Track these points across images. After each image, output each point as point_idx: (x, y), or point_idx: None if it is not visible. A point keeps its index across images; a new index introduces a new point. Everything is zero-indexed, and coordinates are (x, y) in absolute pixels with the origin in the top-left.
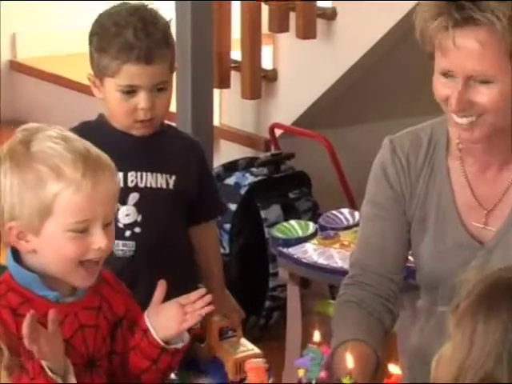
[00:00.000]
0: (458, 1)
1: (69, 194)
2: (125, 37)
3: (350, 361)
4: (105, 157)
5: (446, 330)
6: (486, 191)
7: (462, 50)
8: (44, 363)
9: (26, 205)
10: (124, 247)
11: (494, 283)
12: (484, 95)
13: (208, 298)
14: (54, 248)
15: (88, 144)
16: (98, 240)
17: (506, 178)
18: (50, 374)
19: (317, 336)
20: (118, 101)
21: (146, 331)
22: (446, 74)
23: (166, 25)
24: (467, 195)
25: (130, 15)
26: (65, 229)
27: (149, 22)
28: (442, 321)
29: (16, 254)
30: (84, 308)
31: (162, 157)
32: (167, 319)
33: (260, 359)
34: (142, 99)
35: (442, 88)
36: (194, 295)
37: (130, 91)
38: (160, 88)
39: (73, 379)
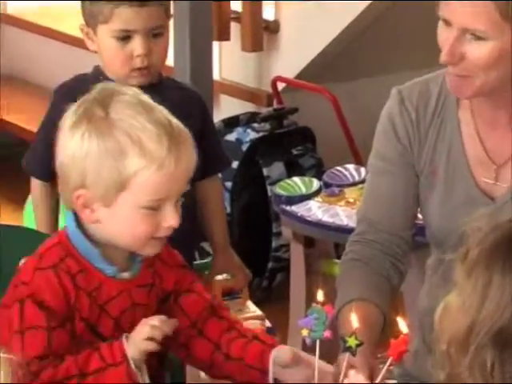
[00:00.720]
0: None
1: (150, 172)
2: None
3: (354, 320)
4: (184, 129)
5: (452, 278)
6: (497, 145)
7: (459, 1)
8: (130, 353)
9: (102, 174)
10: None
11: (507, 234)
12: (476, 51)
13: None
14: (124, 223)
15: (167, 113)
16: (170, 218)
17: None
18: (133, 366)
19: (320, 295)
20: (113, 49)
21: None
22: (445, 22)
23: None
24: (478, 149)
25: None
26: (139, 205)
27: None
28: (450, 268)
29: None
30: (138, 286)
31: None
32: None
33: (258, 321)
34: (137, 45)
35: (441, 36)
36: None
37: (125, 37)
38: (156, 33)
39: (147, 379)
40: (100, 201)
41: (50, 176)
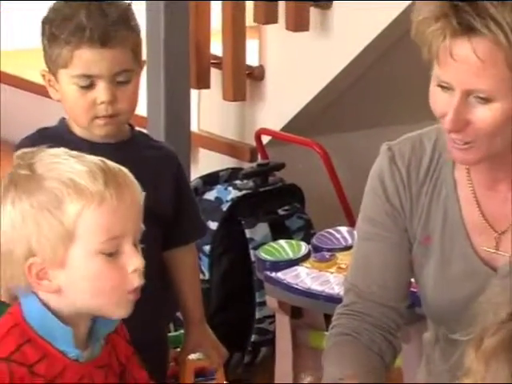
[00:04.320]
0: (456, 3)
1: (92, 210)
2: (76, 19)
3: None
4: (123, 168)
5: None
6: (497, 211)
7: (460, 63)
8: None
9: (44, 232)
10: None
11: None
12: (483, 115)
13: None
14: (87, 279)
15: (101, 157)
16: (132, 260)
17: None
18: None
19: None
20: (75, 96)
21: None
22: (443, 86)
23: (126, 7)
24: (476, 214)
25: None
26: (94, 251)
27: (104, 2)
28: (450, 345)
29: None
30: (97, 367)
31: (132, 168)
32: None
33: None
34: (100, 91)
35: (438, 101)
36: None
37: (88, 84)
38: (122, 80)
39: None
40: (52, 264)
41: None
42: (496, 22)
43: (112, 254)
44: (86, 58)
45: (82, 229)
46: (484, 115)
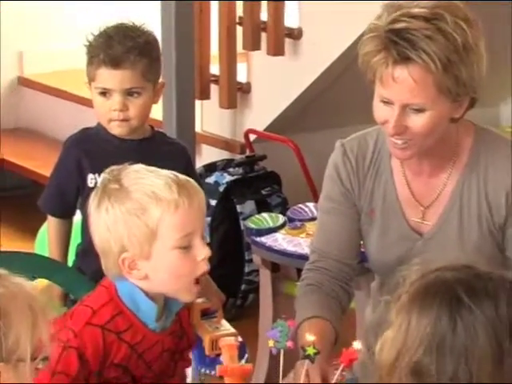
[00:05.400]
0: (395, 39)
1: (170, 214)
2: (101, 45)
3: (309, 337)
4: (189, 178)
5: (389, 315)
6: (423, 191)
7: (400, 84)
8: None
9: (134, 233)
10: None
11: (428, 284)
12: (417, 122)
13: None
14: (167, 268)
15: (172, 171)
16: (201, 250)
17: (441, 181)
18: None
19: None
20: (98, 102)
21: None
22: (385, 102)
23: (149, 37)
24: (407, 193)
25: (115, 28)
26: (172, 246)
27: (128, 33)
28: (390, 292)
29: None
30: (167, 335)
31: (152, 159)
32: None
33: (233, 338)
34: (114, 101)
35: (381, 113)
36: None
37: (105, 93)
38: (132, 93)
39: None
40: (140, 257)
41: (61, 213)
42: (426, 53)
43: (185, 248)
44: (103, 76)
45: (162, 229)
46: (418, 122)
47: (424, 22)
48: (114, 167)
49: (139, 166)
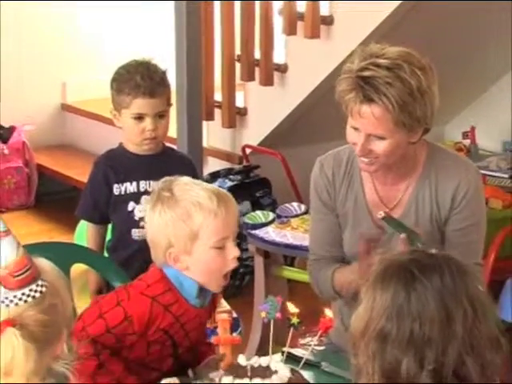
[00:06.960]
0: (362, 84)
1: (210, 220)
2: (135, 80)
3: (293, 309)
4: (226, 191)
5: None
6: (388, 196)
7: (365, 119)
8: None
9: (180, 233)
10: (139, 233)
11: (387, 266)
12: (379, 146)
13: None
14: (204, 264)
15: (212, 185)
16: (232, 251)
17: (402, 188)
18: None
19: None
20: (132, 125)
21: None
22: (354, 128)
23: (163, 72)
24: (374, 197)
25: (138, 65)
26: (210, 246)
27: (151, 70)
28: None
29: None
30: (204, 310)
31: (164, 170)
32: None
33: (226, 314)
34: (148, 123)
35: (351, 137)
36: None
37: (139, 118)
38: (160, 115)
39: None
40: (184, 253)
41: (95, 218)
42: (386, 96)
43: (220, 248)
44: (140, 104)
45: (203, 232)
46: (380, 147)
47: (386, 70)
48: (166, 178)
49: (187, 179)
